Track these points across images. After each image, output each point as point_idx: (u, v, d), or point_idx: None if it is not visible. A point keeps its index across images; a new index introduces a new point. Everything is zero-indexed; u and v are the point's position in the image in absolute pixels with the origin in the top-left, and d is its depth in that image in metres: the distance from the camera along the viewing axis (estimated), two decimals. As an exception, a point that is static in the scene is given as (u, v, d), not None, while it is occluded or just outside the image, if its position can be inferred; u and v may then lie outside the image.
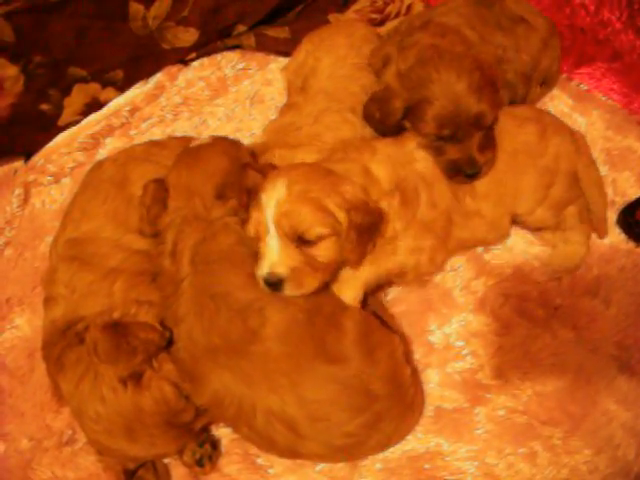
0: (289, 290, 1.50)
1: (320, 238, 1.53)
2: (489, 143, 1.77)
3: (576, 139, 1.89)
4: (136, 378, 1.54)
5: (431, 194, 1.72)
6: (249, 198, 1.65)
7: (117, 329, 1.58)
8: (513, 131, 1.82)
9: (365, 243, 1.59)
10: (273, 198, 1.51)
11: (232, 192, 1.68)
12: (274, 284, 1.50)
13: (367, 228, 1.57)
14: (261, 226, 1.53)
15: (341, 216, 1.54)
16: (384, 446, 1.66)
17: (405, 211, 1.67)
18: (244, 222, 1.61)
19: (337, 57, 2.00)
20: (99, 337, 1.54)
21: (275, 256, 1.50)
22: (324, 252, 1.54)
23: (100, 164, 1.93)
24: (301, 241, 1.52)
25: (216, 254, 1.60)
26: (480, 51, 1.87)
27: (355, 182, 1.60)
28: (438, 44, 1.78)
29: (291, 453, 1.57)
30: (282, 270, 1.49)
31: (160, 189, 1.73)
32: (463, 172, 1.74)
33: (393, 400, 1.57)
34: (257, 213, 1.54)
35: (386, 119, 1.80)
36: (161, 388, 1.56)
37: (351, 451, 1.58)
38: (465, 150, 1.72)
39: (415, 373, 1.74)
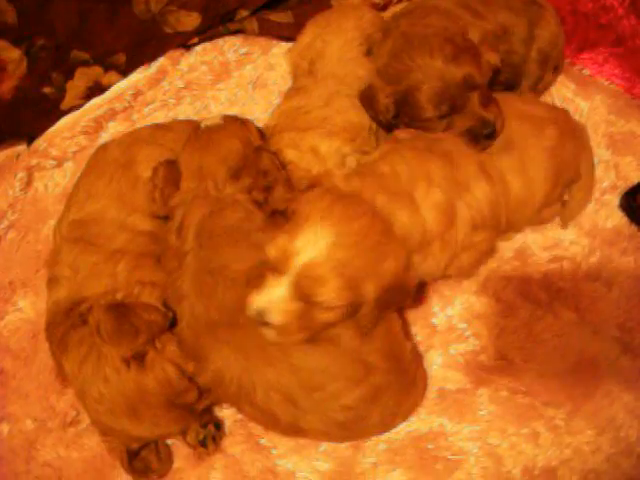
0: (271, 334, 1.40)
1: (333, 308, 1.38)
2: (489, 99, 1.77)
3: (581, 135, 1.90)
4: (139, 359, 1.54)
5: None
6: (265, 180, 1.66)
7: (120, 310, 1.57)
8: (535, 138, 1.78)
9: (383, 314, 1.48)
10: (309, 251, 1.33)
11: (248, 175, 1.67)
12: (260, 321, 1.39)
13: (391, 303, 1.48)
14: (283, 262, 1.35)
15: (370, 298, 1.39)
16: (388, 424, 1.66)
17: (444, 253, 1.58)
18: (262, 209, 1.58)
19: (345, 40, 1.98)
20: (102, 318, 1.54)
21: (277, 298, 1.36)
22: (329, 319, 1.40)
23: (105, 146, 1.93)
24: (311, 301, 1.36)
25: (221, 228, 1.60)
26: (470, 24, 1.88)
27: (402, 257, 1.42)
28: (407, 31, 1.80)
29: (293, 429, 1.56)
30: (275, 317, 1.37)
31: (173, 170, 1.72)
32: (481, 136, 1.73)
33: (393, 373, 1.56)
34: (286, 243, 1.36)
35: (380, 116, 1.81)
36: (164, 369, 1.55)
37: (353, 427, 1.57)
38: (471, 114, 1.73)
39: (416, 350, 1.74)
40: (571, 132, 1.85)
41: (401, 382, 1.62)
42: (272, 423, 1.57)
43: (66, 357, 1.59)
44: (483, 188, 1.60)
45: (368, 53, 1.95)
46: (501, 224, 1.68)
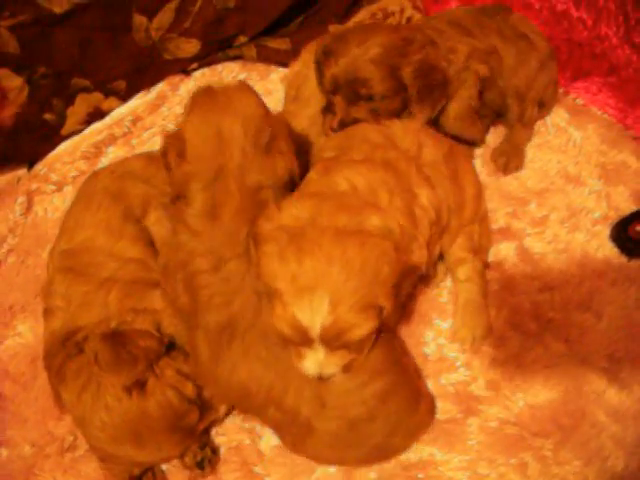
0: (339, 378, 1.48)
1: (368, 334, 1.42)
2: None
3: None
4: (139, 386, 1.56)
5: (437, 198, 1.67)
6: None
7: (116, 338, 1.59)
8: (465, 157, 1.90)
9: (401, 301, 1.53)
10: (316, 319, 1.33)
11: (283, 144, 1.58)
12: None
13: (406, 287, 1.50)
14: (303, 336, 1.36)
15: (388, 303, 1.39)
16: (391, 436, 1.63)
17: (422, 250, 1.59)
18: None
19: None
20: (99, 347, 1.56)
21: (322, 360, 1.41)
22: (369, 339, 1.47)
23: (96, 174, 1.92)
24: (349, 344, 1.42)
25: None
26: (459, 41, 1.94)
27: (390, 253, 1.39)
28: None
29: (305, 433, 1.57)
30: (333, 370, 1.45)
31: (179, 142, 1.56)
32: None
33: (398, 379, 1.60)
34: (291, 320, 1.35)
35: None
36: (165, 393, 1.57)
37: (360, 430, 1.56)
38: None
39: (417, 368, 1.79)
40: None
41: (406, 389, 1.64)
42: (289, 425, 1.58)
43: (64, 387, 1.60)
44: (427, 194, 1.61)
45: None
46: (445, 224, 1.71)
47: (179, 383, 1.61)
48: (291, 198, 1.52)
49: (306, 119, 1.95)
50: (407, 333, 1.89)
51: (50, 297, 1.73)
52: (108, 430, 1.54)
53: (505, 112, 2.10)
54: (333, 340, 1.37)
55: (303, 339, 1.38)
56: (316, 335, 1.35)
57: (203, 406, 1.65)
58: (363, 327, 1.37)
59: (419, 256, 1.53)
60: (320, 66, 1.87)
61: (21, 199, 2.23)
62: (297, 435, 1.62)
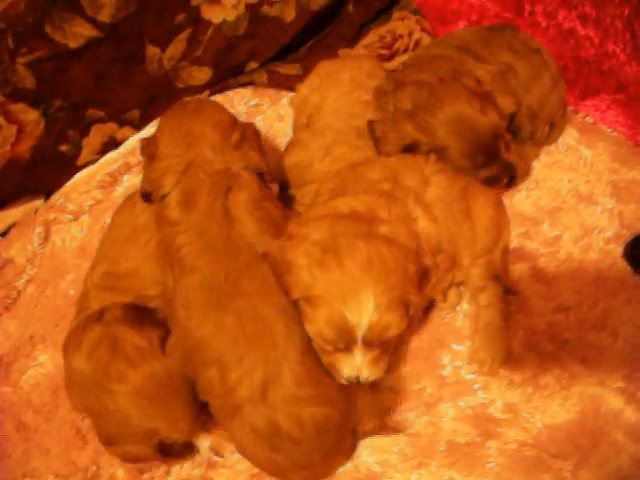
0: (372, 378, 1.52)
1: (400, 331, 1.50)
2: (508, 144, 1.91)
3: None
4: (159, 345, 1.62)
5: (441, 231, 1.72)
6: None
7: (137, 307, 1.69)
8: (484, 192, 1.90)
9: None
10: (364, 316, 1.41)
11: (251, 148, 1.71)
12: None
13: (422, 291, 1.56)
14: (347, 336, 1.44)
15: (416, 301, 1.50)
16: (305, 464, 1.65)
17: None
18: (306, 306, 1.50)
19: (342, 92, 2.03)
20: (120, 310, 1.65)
21: (360, 362, 1.47)
22: (397, 336, 1.51)
23: (132, 205, 1.93)
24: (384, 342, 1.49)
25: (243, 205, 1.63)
26: (475, 67, 1.97)
27: (411, 252, 1.52)
28: (422, 79, 1.89)
29: (230, 413, 1.56)
30: (369, 373, 1.49)
31: (152, 146, 1.74)
32: (504, 181, 1.91)
33: (342, 416, 1.62)
34: (336, 320, 1.42)
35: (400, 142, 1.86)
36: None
37: (281, 445, 1.56)
38: (499, 162, 1.87)
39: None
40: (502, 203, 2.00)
41: (341, 433, 1.66)
42: (219, 395, 1.57)
43: (78, 353, 1.64)
44: (424, 221, 1.66)
45: (376, 103, 2.01)
46: (445, 249, 1.73)
47: None
48: (298, 222, 1.60)
49: (321, 150, 1.94)
50: (423, 356, 1.91)
51: (84, 309, 1.79)
52: (124, 385, 1.57)
53: (517, 130, 2.08)
54: (375, 339, 1.44)
55: (346, 340, 1.44)
56: (361, 334, 1.42)
57: None
58: (399, 324, 1.45)
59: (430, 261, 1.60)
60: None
61: (39, 229, 2.25)
62: (222, 410, 1.61)
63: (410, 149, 1.84)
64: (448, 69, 1.92)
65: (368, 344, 1.45)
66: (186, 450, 1.75)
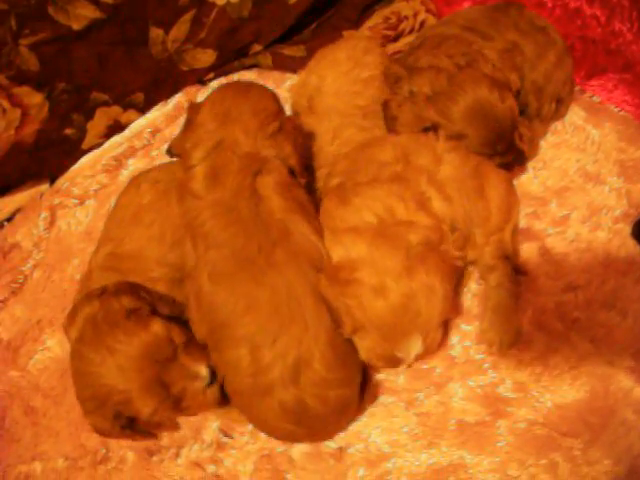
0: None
1: None
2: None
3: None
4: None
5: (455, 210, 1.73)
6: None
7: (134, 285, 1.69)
8: (496, 171, 1.91)
9: None
10: (410, 354, 1.53)
11: (287, 141, 1.69)
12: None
13: None
14: (395, 362, 1.56)
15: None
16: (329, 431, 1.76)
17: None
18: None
19: (340, 73, 2.02)
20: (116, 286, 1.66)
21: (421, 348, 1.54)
22: None
23: (137, 185, 1.93)
24: None
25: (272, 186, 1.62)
26: (482, 46, 1.97)
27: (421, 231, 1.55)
28: (437, 64, 1.90)
29: (260, 393, 1.55)
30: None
31: (193, 111, 1.74)
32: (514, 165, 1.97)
33: (358, 392, 1.69)
34: (386, 353, 1.54)
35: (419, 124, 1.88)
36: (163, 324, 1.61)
37: (308, 420, 1.60)
38: (513, 151, 1.92)
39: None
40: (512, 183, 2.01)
41: (357, 407, 1.74)
42: (249, 375, 1.55)
43: (74, 325, 1.64)
44: (438, 201, 1.66)
45: (395, 82, 1.99)
46: (459, 228, 1.72)
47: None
48: (332, 239, 1.62)
49: (328, 133, 1.94)
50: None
51: (88, 281, 1.78)
52: (105, 351, 1.55)
53: (524, 108, 2.07)
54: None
55: (394, 365, 1.57)
56: (408, 363, 1.55)
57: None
58: (440, 342, 1.60)
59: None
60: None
61: (44, 214, 2.25)
62: (252, 389, 1.57)
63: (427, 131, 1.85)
64: (459, 52, 1.92)
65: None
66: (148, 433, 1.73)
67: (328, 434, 1.77)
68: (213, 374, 1.62)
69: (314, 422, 1.62)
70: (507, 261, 1.90)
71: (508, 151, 1.91)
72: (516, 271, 1.92)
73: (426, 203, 1.63)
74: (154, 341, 1.57)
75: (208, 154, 1.64)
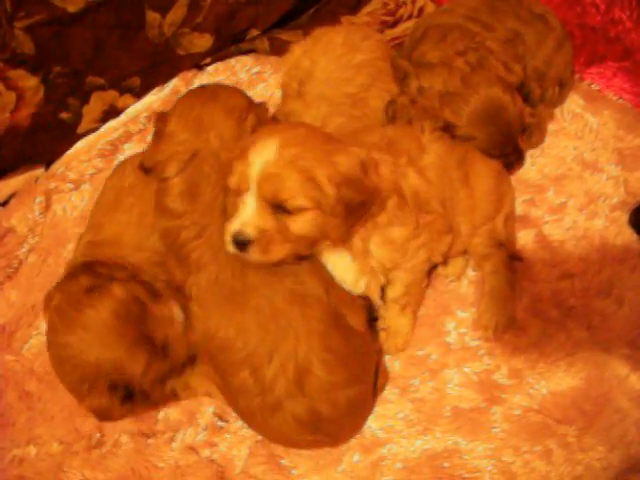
0: (254, 254, 1.47)
1: (300, 209, 1.46)
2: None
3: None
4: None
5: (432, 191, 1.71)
6: None
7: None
8: (484, 161, 1.91)
9: (351, 222, 1.51)
10: (261, 157, 1.43)
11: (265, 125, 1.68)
12: (240, 243, 1.46)
13: (357, 206, 1.49)
14: (243, 182, 1.46)
15: (330, 190, 1.44)
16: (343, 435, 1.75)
17: (404, 215, 1.62)
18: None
19: (333, 57, 2.01)
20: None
21: (249, 216, 1.45)
22: (301, 225, 1.47)
23: (122, 168, 1.96)
24: (280, 208, 1.45)
25: None
26: (485, 37, 1.98)
27: (353, 153, 1.50)
28: (448, 61, 1.92)
29: (270, 410, 1.58)
30: (251, 231, 1.44)
31: (161, 123, 1.71)
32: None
33: (368, 390, 1.70)
34: (242, 167, 1.45)
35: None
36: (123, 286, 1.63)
37: (322, 425, 1.61)
38: (515, 152, 1.97)
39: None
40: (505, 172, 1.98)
41: (368, 405, 1.74)
42: (254, 396, 1.58)
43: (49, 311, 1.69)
44: (413, 176, 1.65)
45: (403, 78, 2.01)
46: (438, 210, 1.71)
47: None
48: None
49: (316, 122, 1.89)
50: (429, 323, 1.91)
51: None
52: (81, 327, 1.58)
53: (527, 94, 2.09)
54: (266, 188, 1.43)
55: (242, 185, 1.46)
56: (254, 176, 1.43)
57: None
58: (297, 189, 1.42)
59: (391, 215, 1.58)
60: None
61: (39, 198, 2.24)
62: (261, 408, 1.60)
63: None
64: (466, 46, 1.95)
65: (262, 197, 1.44)
66: (148, 399, 1.72)
67: (347, 435, 1.76)
68: None
69: (330, 427, 1.63)
70: (502, 248, 1.90)
71: (513, 152, 1.95)
72: (512, 258, 1.92)
73: (397, 175, 1.61)
74: (120, 303, 1.59)
75: (183, 168, 1.63)
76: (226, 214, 1.57)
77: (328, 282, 1.63)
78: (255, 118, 1.69)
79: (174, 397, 1.82)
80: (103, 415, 1.67)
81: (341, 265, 1.65)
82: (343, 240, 1.55)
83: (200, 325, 1.63)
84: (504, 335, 1.86)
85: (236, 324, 1.56)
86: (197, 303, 1.62)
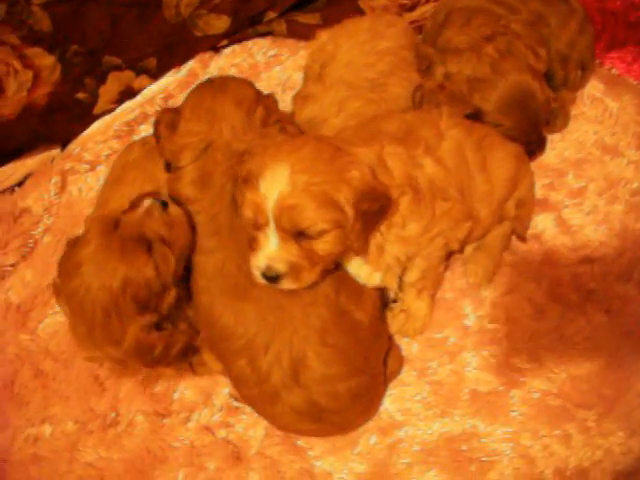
0: (286, 284, 1.46)
1: (322, 233, 1.44)
2: None
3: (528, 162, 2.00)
4: None
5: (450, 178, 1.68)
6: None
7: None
8: (502, 145, 1.87)
9: (370, 230, 1.52)
10: (274, 189, 1.38)
11: (277, 116, 1.71)
12: (270, 277, 1.45)
13: (374, 215, 1.49)
14: (260, 214, 1.42)
15: (348, 208, 1.42)
16: (349, 423, 1.73)
17: (419, 209, 1.59)
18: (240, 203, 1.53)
19: (356, 42, 1.99)
20: None
21: (274, 250, 1.43)
22: (325, 246, 1.46)
23: (130, 146, 2.00)
24: (302, 235, 1.43)
25: None
26: (510, 20, 1.96)
27: (363, 164, 1.46)
28: (477, 46, 1.90)
29: (269, 399, 1.58)
30: (281, 266, 1.43)
31: (173, 115, 1.72)
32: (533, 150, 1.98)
33: (373, 381, 1.68)
34: (255, 197, 1.42)
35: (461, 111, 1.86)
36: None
37: (323, 415, 1.60)
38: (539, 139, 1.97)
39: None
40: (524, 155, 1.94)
41: (373, 394, 1.72)
42: (254, 384, 1.58)
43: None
44: (430, 165, 1.62)
45: (428, 67, 1.99)
46: (456, 197, 1.67)
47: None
48: None
49: (334, 105, 1.90)
50: (446, 306, 1.90)
51: None
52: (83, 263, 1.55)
53: (550, 77, 2.05)
54: (286, 219, 1.40)
55: (260, 218, 1.43)
56: (270, 209, 1.39)
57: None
58: (317, 215, 1.40)
59: (407, 212, 1.55)
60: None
61: (55, 179, 2.23)
62: (261, 398, 1.61)
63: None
64: (492, 30, 1.92)
65: (282, 229, 1.41)
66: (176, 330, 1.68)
67: (357, 423, 1.75)
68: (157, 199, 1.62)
69: (334, 417, 1.62)
70: (505, 223, 1.91)
71: (536, 140, 1.96)
72: (517, 235, 1.95)
73: (412, 166, 1.58)
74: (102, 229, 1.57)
75: (198, 156, 1.65)
76: (244, 242, 1.55)
77: (340, 279, 1.62)
78: (264, 110, 1.70)
79: (192, 371, 1.82)
80: (145, 350, 1.61)
81: (354, 262, 1.63)
82: (365, 249, 1.55)
83: (204, 312, 1.63)
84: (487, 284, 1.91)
85: (236, 312, 1.56)
86: (204, 290, 1.63)
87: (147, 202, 1.60)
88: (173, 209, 1.63)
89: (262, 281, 1.46)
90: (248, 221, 1.47)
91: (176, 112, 1.73)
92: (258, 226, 1.44)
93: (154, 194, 1.65)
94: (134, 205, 1.61)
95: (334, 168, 1.42)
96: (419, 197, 1.56)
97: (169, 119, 1.72)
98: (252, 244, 1.48)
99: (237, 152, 1.63)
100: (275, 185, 1.38)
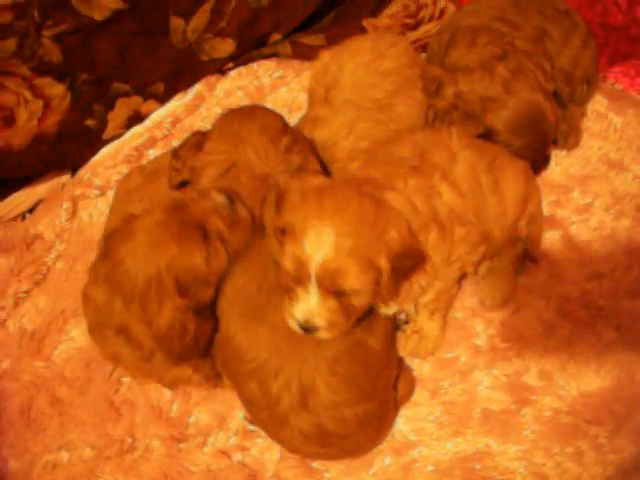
0: (323, 335, 1.49)
1: (360, 291, 1.47)
2: None
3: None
4: None
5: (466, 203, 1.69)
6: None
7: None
8: (512, 164, 1.87)
9: (402, 282, 1.55)
10: (319, 251, 1.38)
11: (300, 152, 1.73)
12: (307, 328, 1.48)
13: (407, 270, 1.52)
14: (302, 271, 1.42)
15: (386, 268, 1.44)
16: (358, 449, 1.74)
17: (443, 243, 1.62)
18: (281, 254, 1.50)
19: (360, 63, 2.00)
20: None
21: (314, 306, 1.45)
22: (361, 300, 1.49)
23: (131, 173, 2.04)
24: (341, 293, 1.45)
25: None
26: (513, 37, 1.97)
27: (400, 221, 1.48)
28: (489, 66, 1.91)
29: (278, 423, 1.60)
30: (320, 321, 1.45)
31: (201, 137, 1.78)
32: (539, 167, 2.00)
33: (381, 407, 1.68)
34: (297, 252, 1.42)
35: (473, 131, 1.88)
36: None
37: (332, 441, 1.61)
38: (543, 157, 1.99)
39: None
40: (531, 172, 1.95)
41: (382, 421, 1.72)
42: (264, 407, 1.60)
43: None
44: (447, 192, 1.63)
45: (438, 88, 1.99)
46: (472, 222, 1.69)
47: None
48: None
49: (344, 127, 1.92)
50: (457, 326, 1.92)
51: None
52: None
53: (556, 96, 2.05)
54: (328, 280, 1.41)
55: (301, 274, 1.43)
56: (314, 269, 1.40)
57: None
58: (359, 278, 1.42)
59: (432, 247, 1.57)
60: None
61: (66, 205, 2.25)
62: (270, 421, 1.64)
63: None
64: (501, 49, 1.93)
65: (323, 287, 1.42)
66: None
67: (366, 448, 1.76)
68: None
69: (342, 441, 1.63)
70: (517, 243, 1.92)
71: (542, 159, 1.99)
72: (529, 258, 1.95)
73: (432, 196, 1.60)
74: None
75: (222, 175, 1.69)
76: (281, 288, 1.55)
77: None
78: (290, 138, 1.74)
79: (219, 383, 1.83)
80: (176, 334, 1.61)
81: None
82: (395, 297, 1.57)
83: (221, 330, 1.65)
84: (500, 308, 1.92)
85: (250, 335, 1.58)
86: (222, 310, 1.65)
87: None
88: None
89: (298, 330, 1.49)
90: (288, 273, 1.47)
91: (204, 135, 1.78)
92: (298, 280, 1.45)
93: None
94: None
95: (376, 230, 1.44)
96: (444, 232, 1.59)
97: (196, 140, 1.78)
98: (290, 294, 1.49)
99: (261, 176, 1.68)
100: (320, 248, 1.39)
